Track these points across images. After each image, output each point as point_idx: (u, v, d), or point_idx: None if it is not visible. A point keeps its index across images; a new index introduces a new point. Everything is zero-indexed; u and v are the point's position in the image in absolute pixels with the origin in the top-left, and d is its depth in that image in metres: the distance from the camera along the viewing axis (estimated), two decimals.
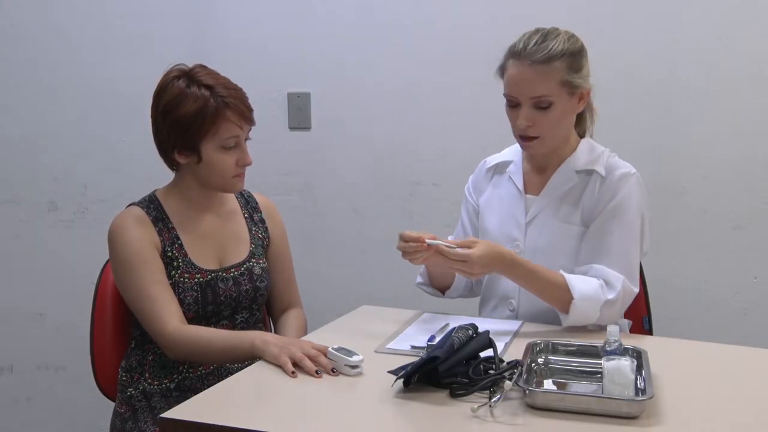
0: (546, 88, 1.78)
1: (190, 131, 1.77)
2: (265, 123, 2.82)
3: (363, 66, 2.78)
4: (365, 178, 2.83)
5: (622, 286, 1.77)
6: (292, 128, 2.87)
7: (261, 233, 1.98)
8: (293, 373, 1.51)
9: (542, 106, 1.79)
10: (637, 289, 1.82)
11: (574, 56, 1.80)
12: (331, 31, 2.79)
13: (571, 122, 1.88)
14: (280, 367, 1.54)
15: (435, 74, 2.71)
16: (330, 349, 1.57)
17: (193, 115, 1.76)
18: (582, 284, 1.75)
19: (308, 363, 1.53)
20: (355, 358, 1.53)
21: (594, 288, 1.75)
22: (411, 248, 1.73)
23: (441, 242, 1.73)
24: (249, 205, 2.00)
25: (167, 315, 1.74)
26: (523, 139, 1.84)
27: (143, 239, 1.79)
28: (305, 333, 1.94)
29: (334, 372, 1.52)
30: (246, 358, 1.68)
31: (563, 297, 1.75)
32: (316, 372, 1.51)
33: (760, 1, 2.43)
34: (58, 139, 3.00)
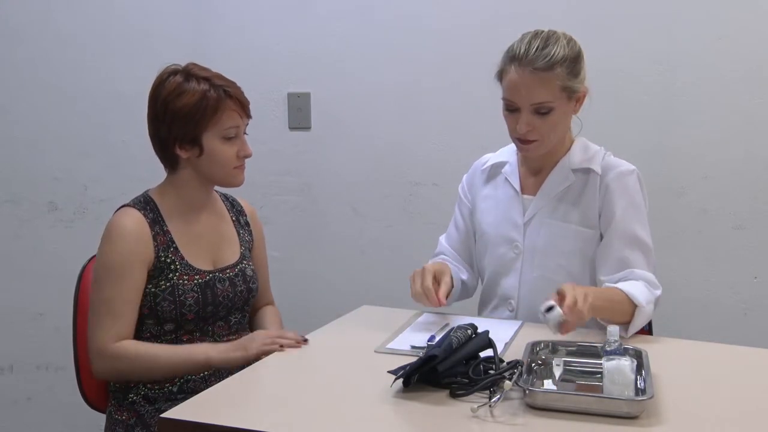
0: (548, 94, 1.77)
1: (191, 122, 1.77)
2: (265, 123, 2.85)
3: (363, 66, 2.78)
4: (365, 178, 2.83)
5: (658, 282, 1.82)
6: (292, 128, 2.87)
7: (247, 236, 1.99)
8: (281, 347, 1.68)
9: (542, 111, 1.78)
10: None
11: (574, 61, 1.80)
12: (331, 31, 2.79)
13: (567, 124, 1.89)
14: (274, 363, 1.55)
15: (435, 74, 2.71)
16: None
17: (194, 106, 1.76)
18: (637, 290, 1.76)
19: (284, 340, 1.69)
20: None
21: (645, 290, 1.78)
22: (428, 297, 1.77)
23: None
24: (234, 208, 2.01)
25: (115, 330, 1.73)
26: (522, 141, 1.83)
27: (135, 253, 1.76)
28: (282, 326, 1.99)
29: (305, 341, 1.70)
30: (198, 371, 1.77)
31: (627, 309, 1.75)
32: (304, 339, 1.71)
33: (760, 1, 2.43)
34: (58, 139, 2.99)
